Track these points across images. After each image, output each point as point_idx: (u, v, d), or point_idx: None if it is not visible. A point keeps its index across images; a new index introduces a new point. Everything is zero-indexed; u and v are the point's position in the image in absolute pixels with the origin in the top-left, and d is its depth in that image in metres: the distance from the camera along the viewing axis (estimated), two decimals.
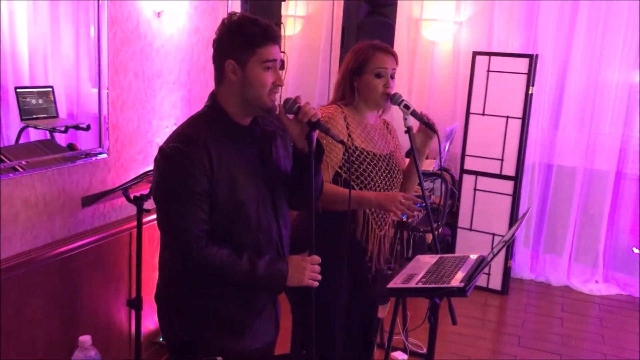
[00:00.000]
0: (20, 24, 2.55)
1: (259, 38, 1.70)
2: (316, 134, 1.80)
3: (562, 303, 4.57)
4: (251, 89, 1.73)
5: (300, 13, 5.55)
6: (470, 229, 4.69)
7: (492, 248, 2.09)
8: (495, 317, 4.36)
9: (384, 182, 2.32)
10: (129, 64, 2.86)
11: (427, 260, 2.18)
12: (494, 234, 4.60)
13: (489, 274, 4.61)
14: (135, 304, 2.75)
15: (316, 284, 1.81)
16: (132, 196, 2.65)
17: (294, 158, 1.88)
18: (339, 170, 2.26)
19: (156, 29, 3.01)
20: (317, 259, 1.82)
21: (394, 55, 2.33)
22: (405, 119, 2.32)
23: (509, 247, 4.64)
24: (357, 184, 2.27)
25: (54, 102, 2.84)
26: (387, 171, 2.33)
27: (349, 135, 2.27)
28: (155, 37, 3.00)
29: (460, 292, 1.86)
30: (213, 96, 1.81)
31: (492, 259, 1.94)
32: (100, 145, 2.76)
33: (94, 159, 2.72)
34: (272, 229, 1.84)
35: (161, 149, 1.71)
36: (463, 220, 4.71)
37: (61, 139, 2.78)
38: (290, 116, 1.81)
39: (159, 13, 3.01)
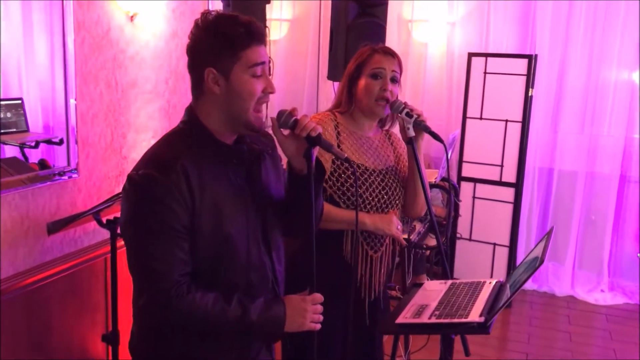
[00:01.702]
0: None
1: (242, 39, 1.43)
2: (316, 151, 1.55)
3: (568, 314, 4.35)
4: (238, 101, 1.46)
5: (286, 16, 5.29)
6: (470, 239, 4.47)
7: (511, 275, 1.85)
8: (500, 333, 4.12)
9: (376, 200, 2.08)
10: (99, 73, 2.60)
11: (437, 287, 1.94)
12: (495, 244, 4.38)
13: None
14: (112, 339, 2.48)
15: (319, 326, 1.56)
16: (104, 220, 2.38)
17: (291, 180, 1.62)
18: (324, 185, 2.00)
19: (130, 34, 2.74)
20: (318, 297, 1.56)
21: (395, 58, 2.09)
22: (407, 129, 2.07)
23: (511, 255, 4.42)
24: (344, 201, 2.03)
25: (24, 115, 2.60)
26: (381, 188, 2.09)
27: (338, 145, 2.04)
28: (128, 43, 2.74)
29: (481, 328, 1.62)
30: (190, 110, 1.54)
31: (516, 290, 1.69)
32: (69, 163, 2.49)
33: (61, 178, 2.45)
34: (265, 265, 1.58)
35: (130, 177, 1.43)
36: (462, 230, 4.48)
37: (38, 154, 2.57)
38: (286, 131, 1.55)
39: (132, 17, 2.75)
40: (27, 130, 2.64)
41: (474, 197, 4.42)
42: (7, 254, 2.25)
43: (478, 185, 4.40)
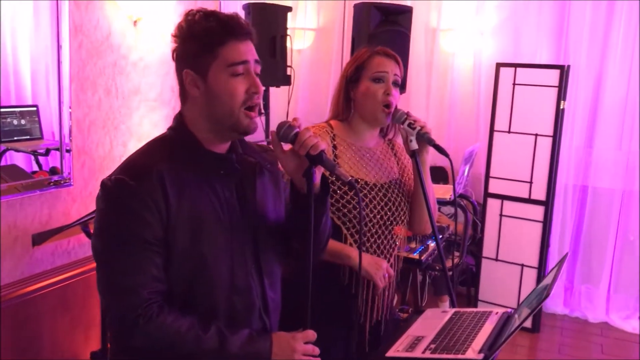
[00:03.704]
0: (23, 40, 2.29)
1: (216, 34, 1.30)
2: (319, 170, 1.39)
3: (602, 343, 4.06)
4: (218, 104, 1.32)
5: (311, 25, 5.19)
6: (497, 259, 4.22)
7: (520, 304, 1.66)
8: None
9: (379, 216, 1.90)
10: (98, 79, 2.51)
11: (439, 316, 1.76)
12: (522, 265, 4.13)
13: None
14: (100, 357, 2.36)
15: None
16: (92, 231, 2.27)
17: (291, 198, 1.46)
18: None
19: (133, 39, 2.65)
20: (311, 335, 1.39)
21: (396, 60, 1.92)
22: (410, 141, 1.90)
23: (540, 277, 4.16)
24: (344, 222, 1.86)
25: (39, 122, 2.55)
26: (383, 204, 1.91)
27: (335, 159, 1.87)
28: (131, 48, 2.65)
29: None
30: (179, 117, 1.40)
31: (523, 321, 1.50)
32: (61, 172, 2.39)
33: (52, 188, 2.35)
34: (253, 290, 1.41)
35: (102, 183, 1.31)
36: (488, 249, 4.24)
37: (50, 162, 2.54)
38: (287, 146, 1.39)
39: (135, 21, 2.65)
40: (41, 138, 2.58)
41: (501, 215, 4.18)
42: None
43: (505, 202, 4.16)
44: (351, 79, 1.92)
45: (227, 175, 1.40)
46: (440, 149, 1.89)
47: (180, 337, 1.28)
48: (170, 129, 1.41)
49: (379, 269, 1.85)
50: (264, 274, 1.44)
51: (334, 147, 1.89)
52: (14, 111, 2.50)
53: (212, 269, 1.34)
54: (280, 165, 1.48)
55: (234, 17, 1.34)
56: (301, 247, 1.44)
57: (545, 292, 1.44)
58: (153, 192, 1.27)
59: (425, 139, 1.88)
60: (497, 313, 1.70)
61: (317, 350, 1.40)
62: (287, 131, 1.36)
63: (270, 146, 1.45)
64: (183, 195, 1.30)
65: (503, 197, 4.16)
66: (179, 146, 1.36)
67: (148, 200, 1.26)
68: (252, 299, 1.41)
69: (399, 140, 2.08)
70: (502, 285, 4.19)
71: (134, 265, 1.27)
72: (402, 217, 1.97)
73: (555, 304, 4.50)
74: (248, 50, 1.34)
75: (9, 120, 2.47)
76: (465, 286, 4.51)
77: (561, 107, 3.93)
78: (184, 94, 1.38)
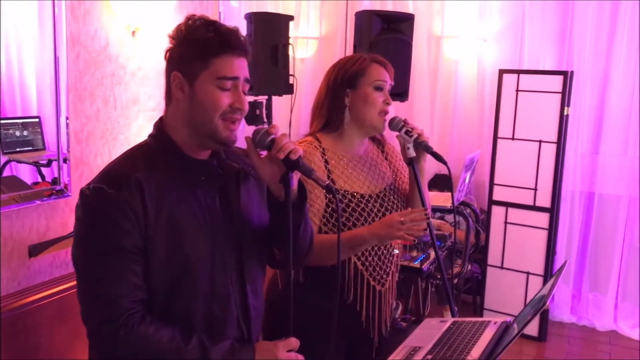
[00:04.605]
0: (28, 53, 2.31)
1: (213, 45, 1.29)
2: (296, 175, 1.37)
3: (610, 351, 4.01)
4: (199, 111, 1.32)
5: (314, 34, 5.18)
6: (502, 267, 4.18)
7: (519, 314, 1.63)
8: None
9: None
10: (96, 90, 2.50)
11: (437, 326, 1.73)
12: (528, 273, 4.08)
13: None
14: None
15: None
16: None
17: (269, 206, 1.45)
18: (316, 220, 1.79)
19: (131, 49, 2.65)
20: (293, 343, 1.38)
21: (390, 72, 1.88)
22: (407, 148, 1.87)
23: (546, 280, 4.11)
24: (342, 230, 1.81)
25: (42, 133, 2.55)
26: (380, 213, 1.86)
27: (329, 176, 1.81)
28: (129, 58, 2.64)
29: None
30: (159, 123, 1.41)
31: (519, 332, 1.47)
32: (59, 182, 2.39)
33: (49, 199, 2.35)
34: (231, 298, 1.40)
35: (80, 192, 1.30)
36: (493, 257, 4.20)
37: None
38: (263, 152, 1.38)
39: (133, 32, 2.65)
40: (44, 149, 2.58)
41: (505, 222, 4.14)
42: None
43: (510, 209, 4.12)
44: (345, 84, 1.84)
45: (209, 181, 1.39)
46: (437, 157, 1.86)
47: (162, 349, 1.27)
48: (150, 136, 1.41)
49: (392, 225, 1.71)
50: (246, 281, 1.43)
51: (326, 162, 1.83)
52: (17, 122, 2.50)
53: (192, 276, 1.33)
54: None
55: (233, 32, 1.33)
56: (282, 254, 1.42)
57: (542, 302, 1.41)
58: (131, 200, 1.26)
59: (422, 147, 1.85)
60: (495, 323, 1.67)
61: (300, 357, 1.39)
62: (263, 137, 1.35)
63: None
64: (162, 203, 1.29)
65: (508, 205, 4.13)
66: (159, 153, 1.36)
67: (126, 209, 1.26)
68: (230, 306, 1.40)
69: (389, 143, 2.05)
70: (507, 293, 4.14)
71: (113, 274, 1.26)
72: None
73: (562, 312, 4.45)
74: (240, 67, 1.33)
75: (11, 131, 2.47)
76: (470, 294, 4.46)
77: (565, 113, 3.89)
78: (168, 96, 1.38)
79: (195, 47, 1.30)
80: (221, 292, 1.38)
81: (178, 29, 1.34)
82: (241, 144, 1.40)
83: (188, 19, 1.34)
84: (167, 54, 1.37)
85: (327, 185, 1.37)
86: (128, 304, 1.26)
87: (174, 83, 1.33)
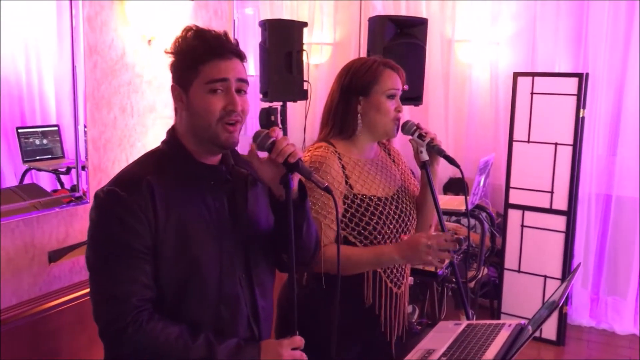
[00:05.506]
0: (47, 63, 2.34)
1: (201, 53, 1.34)
2: (296, 177, 1.41)
3: (630, 356, 3.96)
4: (197, 118, 1.36)
5: (328, 40, 5.21)
6: (519, 271, 4.16)
7: (534, 316, 1.63)
8: None
9: (394, 230, 1.86)
10: (113, 98, 2.55)
11: (451, 329, 1.73)
12: (545, 277, 4.06)
13: None
14: None
15: None
16: None
17: (272, 207, 1.49)
18: (334, 227, 1.79)
19: (147, 58, 2.69)
20: (298, 341, 1.40)
21: (402, 77, 1.89)
22: (420, 152, 1.89)
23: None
24: (360, 240, 1.82)
25: (61, 141, 2.59)
26: (396, 215, 1.88)
27: (346, 181, 1.82)
28: (145, 67, 2.69)
29: None
30: (171, 131, 1.46)
31: (533, 333, 1.48)
32: (77, 189, 2.43)
33: (68, 205, 2.39)
34: (240, 299, 1.43)
35: (95, 195, 1.36)
36: (510, 260, 4.18)
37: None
38: (264, 154, 1.41)
39: (149, 40, 2.70)
40: (63, 157, 2.63)
41: (522, 226, 4.12)
42: (10, 283, 2.19)
43: (527, 212, 4.10)
44: (358, 91, 1.85)
45: (218, 186, 1.43)
46: (450, 160, 1.87)
47: (169, 346, 1.31)
48: (162, 142, 1.46)
49: (419, 248, 1.71)
50: (254, 284, 1.47)
51: (343, 167, 1.83)
52: (36, 131, 2.54)
53: (200, 278, 1.37)
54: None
55: (218, 37, 1.38)
56: (287, 255, 1.45)
57: (555, 304, 1.41)
58: (143, 203, 1.31)
59: (435, 150, 1.87)
60: (510, 325, 1.67)
61: (304, 357, 1.41)
62: (264, 140, 1.38)
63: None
64: (171, 206, 1.34)
65: (524, 208, 4.11)
66: (170, 158, 1.41)
67: (138, 211, 1.30)
68: (239, 307, 1.44)
69: (393, 146, 2.07)
70: (525, 297, 4.12)
71: (123, 274, 1.31)
72: (412, 226, 1.95)
73: (580, 316, 4.41)
74: (230, 69, 1.36)
75: (31, 140, 2.52)
76: (487, 298, 4.44)
77: (581, 116, 3.87)
78: (175, 107, 1.44)
79: (185, 58, 1.36)
80: (230, 295, 1.41)
81: (175, 41, 1.39)
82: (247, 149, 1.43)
83: (183, 30, 1.39)
84: (170, 68, 1.42)
85: (326, 187, 1.40)
86: (137, 302, 1.30)
87: (174, 94, 1.40)
